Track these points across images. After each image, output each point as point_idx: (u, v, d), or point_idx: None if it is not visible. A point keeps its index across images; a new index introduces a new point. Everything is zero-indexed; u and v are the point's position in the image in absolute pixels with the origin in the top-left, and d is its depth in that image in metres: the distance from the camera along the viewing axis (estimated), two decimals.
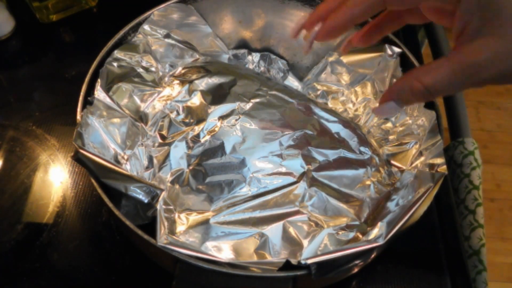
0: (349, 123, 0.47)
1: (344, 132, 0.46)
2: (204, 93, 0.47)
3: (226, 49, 0.55)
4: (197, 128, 0.45)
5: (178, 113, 0.47)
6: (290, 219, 0.42)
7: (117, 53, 0.47)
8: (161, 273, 0.42)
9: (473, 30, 0.27)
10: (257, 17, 0.54)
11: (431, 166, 0.39)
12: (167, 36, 0.51)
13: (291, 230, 0.41)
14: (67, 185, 0.50)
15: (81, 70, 0.46)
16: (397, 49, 0.49)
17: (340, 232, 0.41)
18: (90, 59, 0.45)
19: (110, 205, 0.36)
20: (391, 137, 0.47)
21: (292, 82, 0.55)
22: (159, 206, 0.37)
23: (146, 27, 0.49)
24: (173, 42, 0.51)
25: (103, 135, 0.42)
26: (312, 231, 0.41)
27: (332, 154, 0.45)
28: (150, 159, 0.44)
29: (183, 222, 0.41)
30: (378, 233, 0.36)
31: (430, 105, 0.44)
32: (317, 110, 0.47)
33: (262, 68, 0.55)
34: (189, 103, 0.47)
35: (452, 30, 0.29)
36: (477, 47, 0.27)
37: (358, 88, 0.51)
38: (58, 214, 0.48)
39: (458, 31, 0.28)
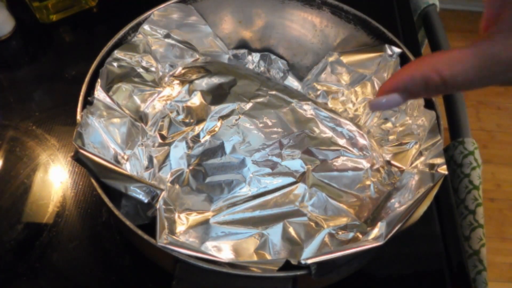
0: (349, 123, 0.47)
1: (344, 132, 0.46)
2: (204, 93, 0.47)
3: (226, 49, 0.55)
4: (197, 128, 0.45)
5: (178, 113, 0.47)
6: (290, 219, 0.42)
7: (117, 53, 0.47)
8: (161, 273, 0.42)
9: (510, 19, 0.23)
10: (257, 17, 0.54)
11: (431, 166, 0.39)
12: (167, 36, 0.51)
13: (291, 230, 0.41)
14: (67, 185, 0.50)
15: (81, 70, 0.46)
16: (397, 49, 0.49)
17: (340, 232, 0.41)
18: (90, 59, 0.45)
19: (110, 205, 0.36)
20: (391, 137, 0.47)
21: (292, 82, 0.55)
22: (159, 206, 0.37)
23: (146, 27, 0.49)
24: (173, 42, 0.51)
25: (103, 135, 0.42)
26: (312, 231, 0.41)
27: (332, 154, 0.45)
28: (150, 159, 0.44)
29: (183, 222, 0.41)
30: (378, 233, 0.36)
31: (430, 105, 0.44)
32: (317, 110, 0.47)
33: (262, 68, 0.55)
34: (189, 103, 0.47)
35: (483, 15, 0.25)
36: None
37: (358, 88, 0.51)
38: (58, 214, 0.48)
39: (490, 18, 0.24)
